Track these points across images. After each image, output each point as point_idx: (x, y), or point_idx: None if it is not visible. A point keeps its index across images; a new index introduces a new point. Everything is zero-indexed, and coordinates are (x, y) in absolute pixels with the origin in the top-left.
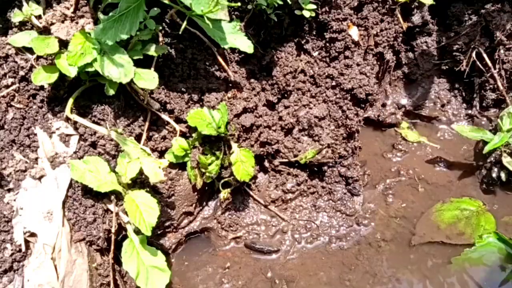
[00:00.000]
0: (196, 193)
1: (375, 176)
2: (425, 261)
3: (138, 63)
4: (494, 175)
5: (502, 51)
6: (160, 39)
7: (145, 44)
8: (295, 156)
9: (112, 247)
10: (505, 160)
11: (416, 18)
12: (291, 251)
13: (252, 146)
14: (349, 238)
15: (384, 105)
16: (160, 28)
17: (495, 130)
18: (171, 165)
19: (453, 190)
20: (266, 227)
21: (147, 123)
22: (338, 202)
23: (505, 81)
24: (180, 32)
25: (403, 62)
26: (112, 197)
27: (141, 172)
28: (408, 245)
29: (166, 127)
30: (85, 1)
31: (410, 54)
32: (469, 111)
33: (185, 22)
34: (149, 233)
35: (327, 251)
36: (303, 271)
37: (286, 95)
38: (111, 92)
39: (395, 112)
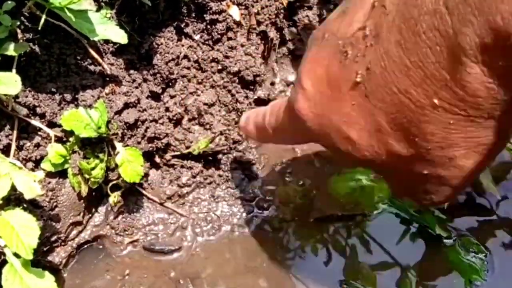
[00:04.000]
0: (82, 200)
1: (271, 156)
2: (326, 235)
3: None
4: None
5: None
6: (20, 35)
7: (1, 43)
8: (188, 147)
9: None
10: None
11: None
12: (193, 247)
13: (139, 143)
14: (251, 224)
15: (273, 84)
16: (18, 23)
17: None
18: (50, 174)
19: None
20: (164, 225)
21: (15, 132)
22: (236, 189)
23: None
24: (39, 28)
25: (287, 39)
26: None
27: (14, 188)
28: (307, 221)
29: (39, 133)
30: None
31: (293, 30)
32: None
33: (44, 16)
34: (30, 257)
35: (230, 241)
36: (208, 266)
37: (170, 84)
38: None
39: (284, 89)
